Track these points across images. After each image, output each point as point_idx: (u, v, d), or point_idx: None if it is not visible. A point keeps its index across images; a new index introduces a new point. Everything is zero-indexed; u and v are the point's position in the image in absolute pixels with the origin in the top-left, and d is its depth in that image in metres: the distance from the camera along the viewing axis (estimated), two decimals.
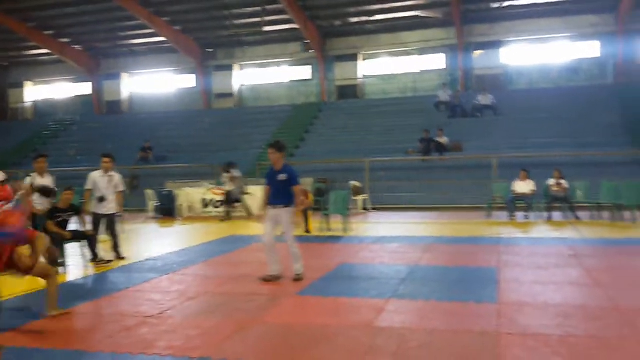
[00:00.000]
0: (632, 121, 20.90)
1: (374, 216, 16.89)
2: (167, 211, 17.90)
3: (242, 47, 30.61)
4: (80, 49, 32.04)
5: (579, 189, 14.93)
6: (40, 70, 34.39)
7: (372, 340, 4.96)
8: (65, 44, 31.18)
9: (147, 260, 9.47)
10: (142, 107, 32.72)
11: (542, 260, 8.53)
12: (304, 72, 30.33)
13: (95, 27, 29.16)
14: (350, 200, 15.26)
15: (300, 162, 21.89)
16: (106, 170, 9.50)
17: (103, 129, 29.28)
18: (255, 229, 11.41)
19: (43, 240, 6.69)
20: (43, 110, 34.85)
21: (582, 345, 4.75)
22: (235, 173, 16.91)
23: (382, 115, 25.48)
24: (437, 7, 26.01)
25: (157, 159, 24.43)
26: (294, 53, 29.98)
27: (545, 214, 14.46)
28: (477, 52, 27.51)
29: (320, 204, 16.10)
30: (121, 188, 9.68)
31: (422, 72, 28.46)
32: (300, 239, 11.16)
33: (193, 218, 17.36)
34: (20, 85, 35.21)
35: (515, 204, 14.54)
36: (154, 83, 32.97)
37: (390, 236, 11.81)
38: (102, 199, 9.37)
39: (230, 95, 31.31)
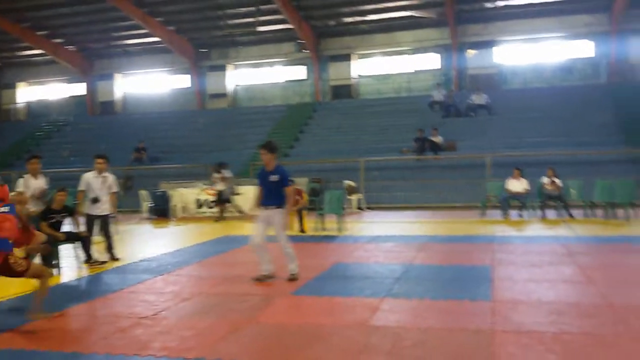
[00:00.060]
0: (625, 120, 21.01)
1: (369, 215, 16.90)
2: (161, 212, 17.87)
3: (236, 47, 30.59)
4: (73, 49, 31.95)
5: (572, 187, 14.99)
6: (34, 70, 34.25)
7: (366, 339, 4.96)
8: (58, 45, 31.08)
9: (141, 261, 9.45)
10: (136, 107, 32.64)
11: (536, 258, 8.56)
12: (298, 72, 30.33)
13: (88, 27, 29.09)
14: (345, 200, 15.27)
15: (295, 162, 21.92)
16: (100, 171, 9.47)
17: (97, 130, 29.20)
18: (249, 229, 11.37)
19: (40, 238, 6.66)
20: (36, 111, 34.72)
21: (576, 342, 4.76)
22: (226, 173, 16.88)
23: (376, 115, 25.52)
24: (431, 7, 26.06)
25: (151, 160, 24.39)
26: (288, 53, 29.98)
27: (539, 213, 14.51)
28: (471, 52, 27.57)
29: (315, 204, 16.10)
30: (115, 189, 9.65)
31: (416, 72, 28.52)
32: (295, 238, 11.14)
33: (187, 218, 17.33)
34: (13, 86, 35.07)
35: (509, 202, 14.57)
36: (147, 83, 32.90)
37: (384, 235, 11.83)
38: (95, 200, 9.33)
39: (224, 95, 31.28)
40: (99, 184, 9.39)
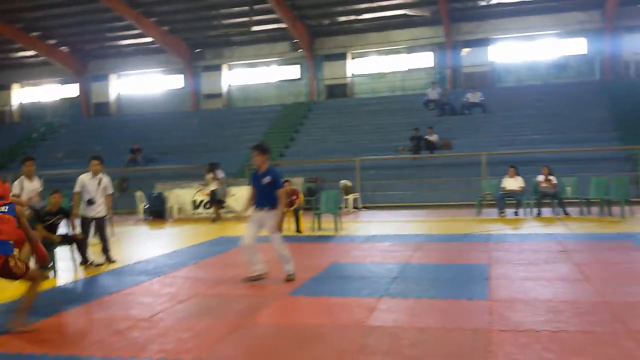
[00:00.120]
0: (619, 117, 21.08)
1: (365, 215, 16.91)
2: (158, 213, 17.83)
3: (230, 47, 30.54)
4: (67, 50, 31.84)
5: (568, 185, 15.03)
6: (27, 72, 34.10)
7: (364, 340, 4.96)
8: (52, 46, 30.96)
9: (137, 263, 9.42)
10: (131, 108, 32.55)
11: (532, 256, 8.58)
12: (293, 72, 30.31)
13: (82, 28, 29.00)
14: (341, 200, 15.28)
15: (291, 161, 21.92)
16: (95, 173, 9.43)
17: (91, 131, 29.10)
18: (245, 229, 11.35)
19: (40, 233, 6.59)
20: (30, 112, 34.58)
21: (573, 340, 4.77)
22: (219, 174, 16.85)
23: (371, 114, 25.53)
24: (424, 5, 26.09)
25: (146, 161, 24.32)
26: (282, 52, 29.96)
27: (534, 210, 14.55)
28: (465, 50, 27.62)
29: (311, 204, 16.10)
30: (110, 191, 9.62)
31: (411, 70, 28.55)
32: (291, 238, 11.17)
33: (183, 220, 17.30)
34: (7, 88, 34.92)
35: (504, 200, 14.59)
36: (142, 84, 32.81)
37: (381, 235, 11.84)
38: (91, 202, 9.29)
39: (219, 95, 31.23)
40: (94, 186, 9.35)
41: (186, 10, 27.30)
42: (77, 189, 9.38)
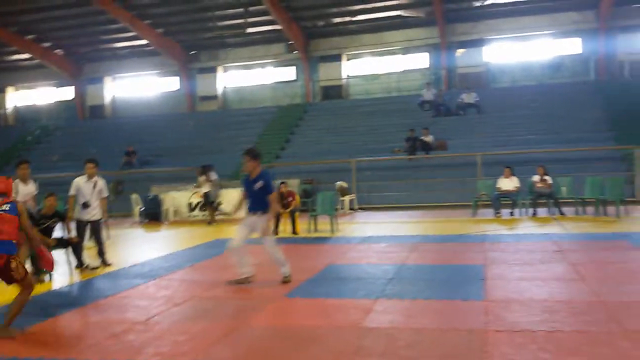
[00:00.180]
0: (614, 117, 21.14)
1: (361, 216, 16.92)
2: (153, 216, 17.80)
3: (225, 49, 30.53)
4: (62, 53, 31.75)
5: (563, 185, 15.06)
6: (22, 75, 33.98)
7: (360, 341, 4.97)
8: (47, 49, 30.88)
9: (133, 266, 9.40)
10: (126, 111, 32.48)
11: (528, 257, 8.60)
12: (288, 73, 30.31)
13: (77, 31, 28.93)
14: (337, 201, 15.27)
15: (286, 163, 21.92)
16: (90, 176, 9.41)
17: (86, 134, 29.03)
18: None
19: (40, 237, 6.53)
20: (25, 115, 34.46)
21: (569, 340, 4.78)
22: (212, 176, 16.81)
23: (367, 115, 25.55)
24: (419, 6, 26.12)
25: (141, 164, 24.27)
26: (277, 54, 29.96)
27: (530, 211, 14.57)
28: (460, 51, 27.66)
29: (307, 205, 16.09)
30: (105, 194, 9.59)
31: (406, 71, 28.58)
32: (287, 240, 11.17)
33: (179, 222, 17.27)
34: (1, 91, 34.78)
35: (500, 201, 14.62)
36: (137, 86, 32.76)
37: (377, 236, 11.84)
38: (86, 205, 9.27)
39: (214, 97, 31.20)
40: (89, 189, 9.32)
41: (181, 13, 27.28)
42: (72, 192, 9.36)
